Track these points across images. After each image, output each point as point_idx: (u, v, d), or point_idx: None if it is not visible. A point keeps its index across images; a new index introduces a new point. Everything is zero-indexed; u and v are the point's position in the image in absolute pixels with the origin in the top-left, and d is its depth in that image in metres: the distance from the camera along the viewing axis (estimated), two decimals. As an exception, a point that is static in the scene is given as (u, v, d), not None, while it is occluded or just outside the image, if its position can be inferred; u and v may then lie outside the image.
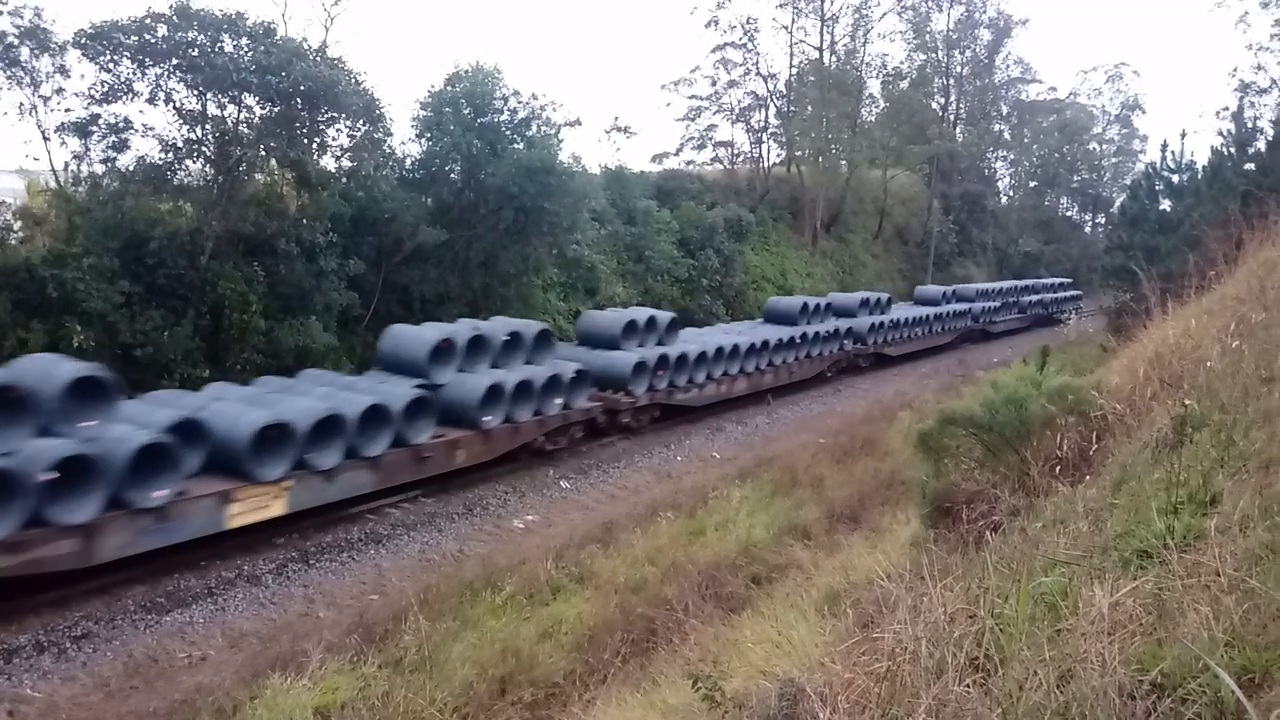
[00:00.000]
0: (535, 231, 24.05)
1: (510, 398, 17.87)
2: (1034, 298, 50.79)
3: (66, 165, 18.66)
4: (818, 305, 30.97)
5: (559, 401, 19.30)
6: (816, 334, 29.49)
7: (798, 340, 28.47)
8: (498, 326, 19.51)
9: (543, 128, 24.85)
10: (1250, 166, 24.48)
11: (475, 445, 17.43)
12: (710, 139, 47.32)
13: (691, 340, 24.66)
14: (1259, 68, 33.50)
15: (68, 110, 17.92)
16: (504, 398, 17.72)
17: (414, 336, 18.05)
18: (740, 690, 5.75)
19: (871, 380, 32.29)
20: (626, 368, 21.39)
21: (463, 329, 18.57)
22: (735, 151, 48.19)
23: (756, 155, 48.34)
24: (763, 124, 48.11)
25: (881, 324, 34.05)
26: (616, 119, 55.19)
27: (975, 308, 42.92)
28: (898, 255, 52.39)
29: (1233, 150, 26.14)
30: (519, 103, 24.74)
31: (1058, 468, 7.24)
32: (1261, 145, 25.71)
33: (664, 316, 24.22)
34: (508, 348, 19.22)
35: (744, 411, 25.67)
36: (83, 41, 17.53)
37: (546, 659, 10.22)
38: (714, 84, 46.34)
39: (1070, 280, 58.33)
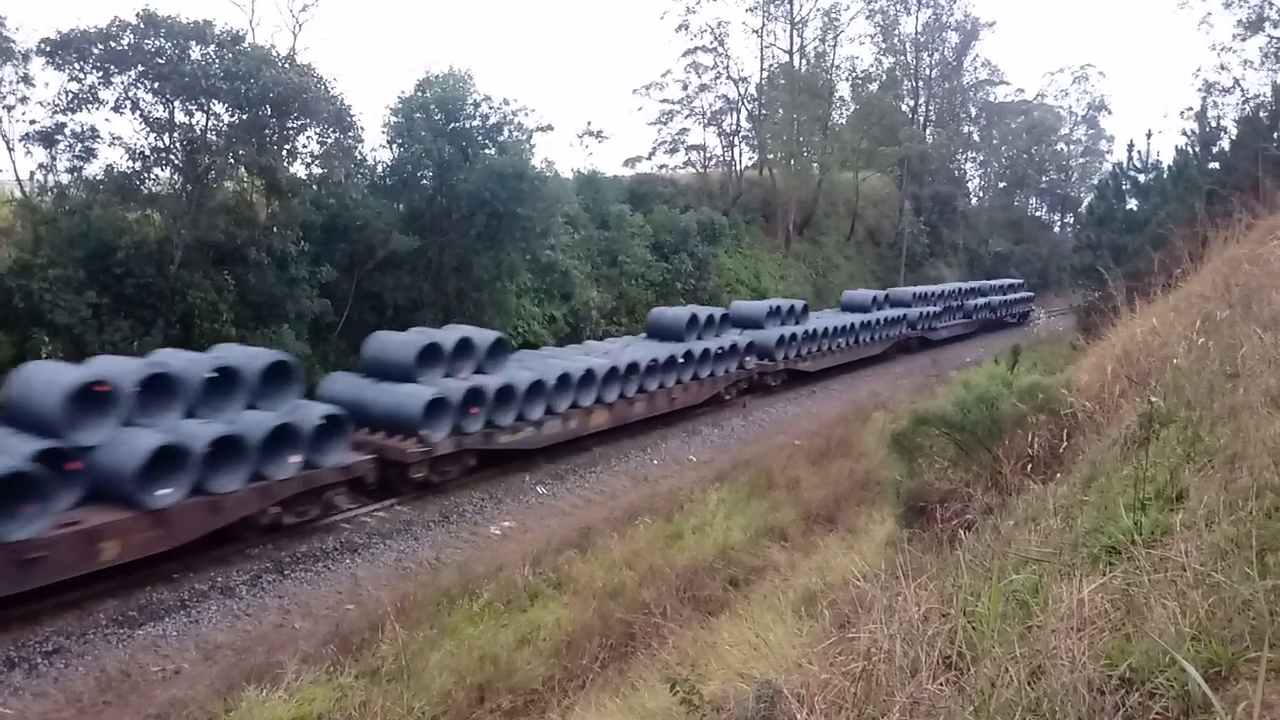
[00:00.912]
0: (508, 237, 24.00)
1: (203, 460, 12.89)
2: (981, 300, 47.42)
3: (32, 175, 18.48)
4: (710, 317, 26.80)
5: (296, 460, 14.43)
6: (708, 351, 25.40)
7: (681, 359, 24.20)
8: (199, 361, 14.45)
9: (514, 133, 24.82)
10: (1215, 166, 24.89)
11: (137, 533, 12.27)
12: (682, 143, 47.47)
13: (529, 366, 20.02)
14: (1222, 68, 33.98)
15: (32, 121, 17.74)
16: (190, 462, 12.75)
17: (47, 379, 12.81)
18: (718, 693, 5.77)
19: (844, 383, 32.43)
20: (417, 407, 16.63)
21: (133, 367, 13.54)
22: (707, 155, 48.35)
23: (729, 159, 48.53)
24: (734, 127, 48.32)
25: (793, 336, 29.83)
26: (589, 123, 55.25)
27: (912, 313, 39.30)
28: (870, 257, 52.70)
29: (1197, 150, 26.57)
30: (490, 108, 24.71)
31: (1029, 466, 7.31)
32: (1225, 144, 26.15)
33: (485, 337, 19.30)
34: (218, 389, 14.18)
35: (720, 414, 25.74)
36: (48, 50, 17.33)
37: (525, 665, 10.20)
38: (685, 88, 46.49)
39: (1022, 281, 56.38)
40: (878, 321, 36.03)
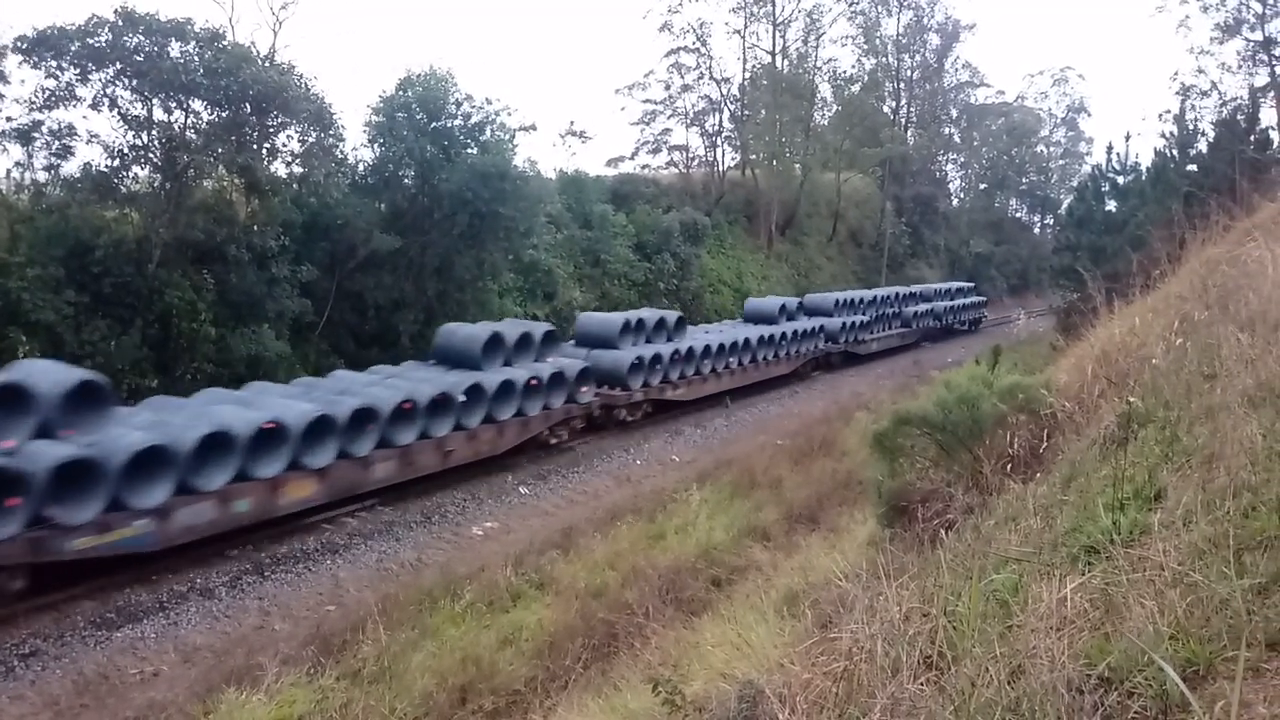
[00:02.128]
0: (490, 236, 23.94)
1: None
2: (923, 307, 42.71)
3: (8, 173, 18.31)
4: (526, 336, 20.39)
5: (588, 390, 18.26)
6: (510, 384, 18.72)
7: (462, 398, 17.46)
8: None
9: (497, 132, 24.78)
10: (1192, 168, 25.14)
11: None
12: (665, 143, 47.53)
13: (191, 421, 13.50)
14: (1200, 71, 34.47)
15: (9, 118, 17.54)
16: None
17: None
18: (700, 693, 5.76)
19: (826, 383, 32.53)
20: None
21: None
22: (690, 155, 48.42)
23: (711, 159, 48.61)
24: (717, 128, 48.41)
25: (656, 358, 23.77)
26: (571, 123, 55.17)
27: (832, 324, 33.81)
28: (852, 257, 52.89)
29: (1175, 152, 26.84)
30: (472, 107, 24.66)
31: (1010, 466, 7.34)
32: (1203, 147, 26.43)
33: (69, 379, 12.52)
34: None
35: (703, 415, 25.74)
36: (24, 47, 17.15)
37: (507, 666, 10.16)
38: (668, 88, 46.56)
39: (973, 284, 52.53)
40: (786, 335, 30.28)
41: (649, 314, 25.51)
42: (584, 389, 21.19)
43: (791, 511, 15.38)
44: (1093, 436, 6.25)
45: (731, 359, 27.34)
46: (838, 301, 35.33)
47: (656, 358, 23.82)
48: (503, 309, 26.65)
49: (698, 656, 7.50)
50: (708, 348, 26.02)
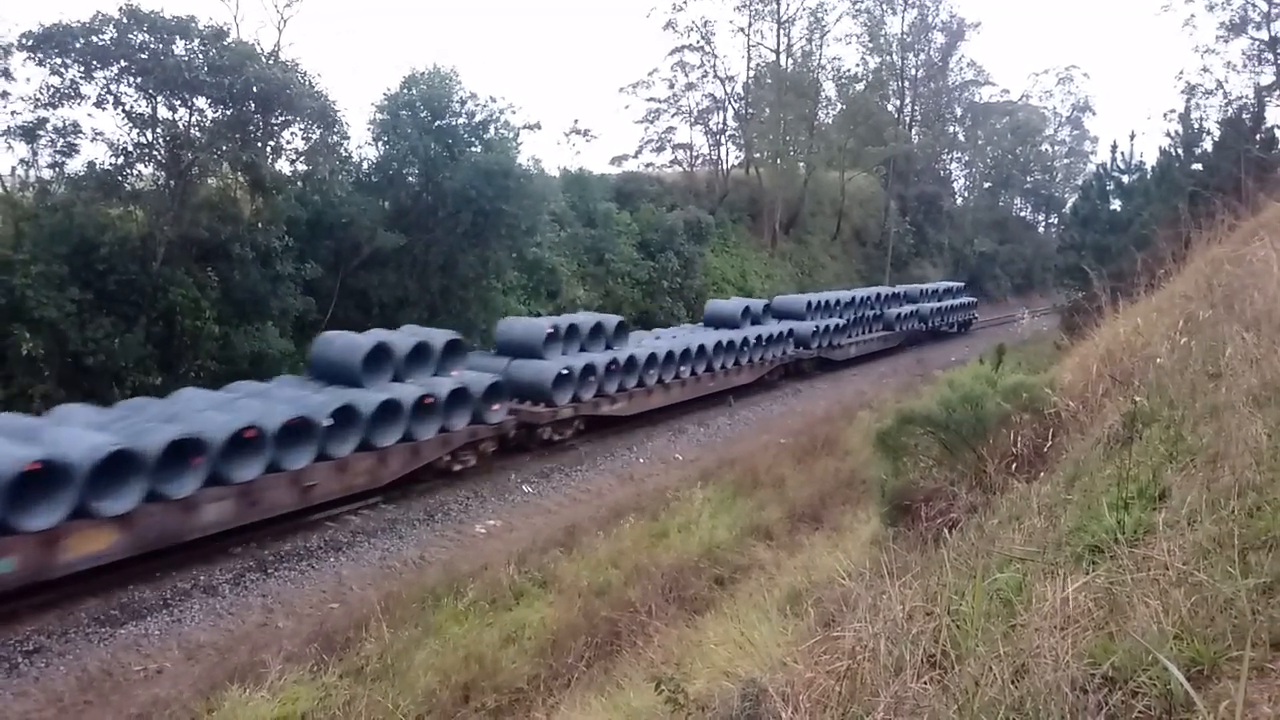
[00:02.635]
0: (494, 234, 23.95)
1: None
2: (907, 308, 40.50)
3: (13, 171, 18.28)
4: (420, 347, 17.91)
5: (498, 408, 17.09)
6: (395, 404, 16.18)
7: (325, 424, 14.85)
8: None
9: (501, 130, 24.77)
10: (1197, 167, 25.07)
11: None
12: (669, 141, 47.57)
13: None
14: (1205, 70, 34.36)
15: (13, 114, 17.56)
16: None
17: None
18: (703, 692, 5.76)
19: (829, 382, 32.51)
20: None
21: None
22: (694, 154, 48.47)
23: (715, 157, 48.62)
24: (721, 126, 48.42)
25: (589, 369, 21.05)
26: (575, 122, 55.22)
27: (802, 328, 31.21)
28: (856, 256, 52.85)
29: (1180, 151, 26.78)
30: (476, 105, 24.67)
31: (1013, 465, 7.33)
32: (1208, 146, 26.37)
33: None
34: None
35: (706, 413, 25.73)
36: (29, 44, 17.17)
37: (510, 664, 10.17)
38: (672, 86, 46.60)
39: (963, 284, 50.40)
40: (748, 341, 27.77)
41: (584, 318, 22.72)
42: (494, 407, 18.50)
43: (794, 510, 15.38)
44: (1097, 435, 6.23)
45: (683, 368, 24.69)
46: (810, 304, 32.71)
47: (589, 369, 21.07)
48: (507, 307, 26.67)
49: (701, 655, 7.49)
50: (653, 356, 23.23)
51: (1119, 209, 29.20)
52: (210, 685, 9.83)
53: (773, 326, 29.74)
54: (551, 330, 20.91)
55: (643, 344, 24.15)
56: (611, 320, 23.41)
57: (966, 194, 71.79)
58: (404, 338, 17.93)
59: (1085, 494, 5.12)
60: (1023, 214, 78.26)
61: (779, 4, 48.50)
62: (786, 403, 28.43)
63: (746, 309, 29.35)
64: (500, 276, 26.20)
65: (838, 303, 34.62)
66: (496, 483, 18.35)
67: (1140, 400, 5.68)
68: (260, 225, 20.06)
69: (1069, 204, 55.79)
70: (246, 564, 13.75)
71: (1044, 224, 78.85)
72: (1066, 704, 2.94)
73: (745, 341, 27.70)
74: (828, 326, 33.12)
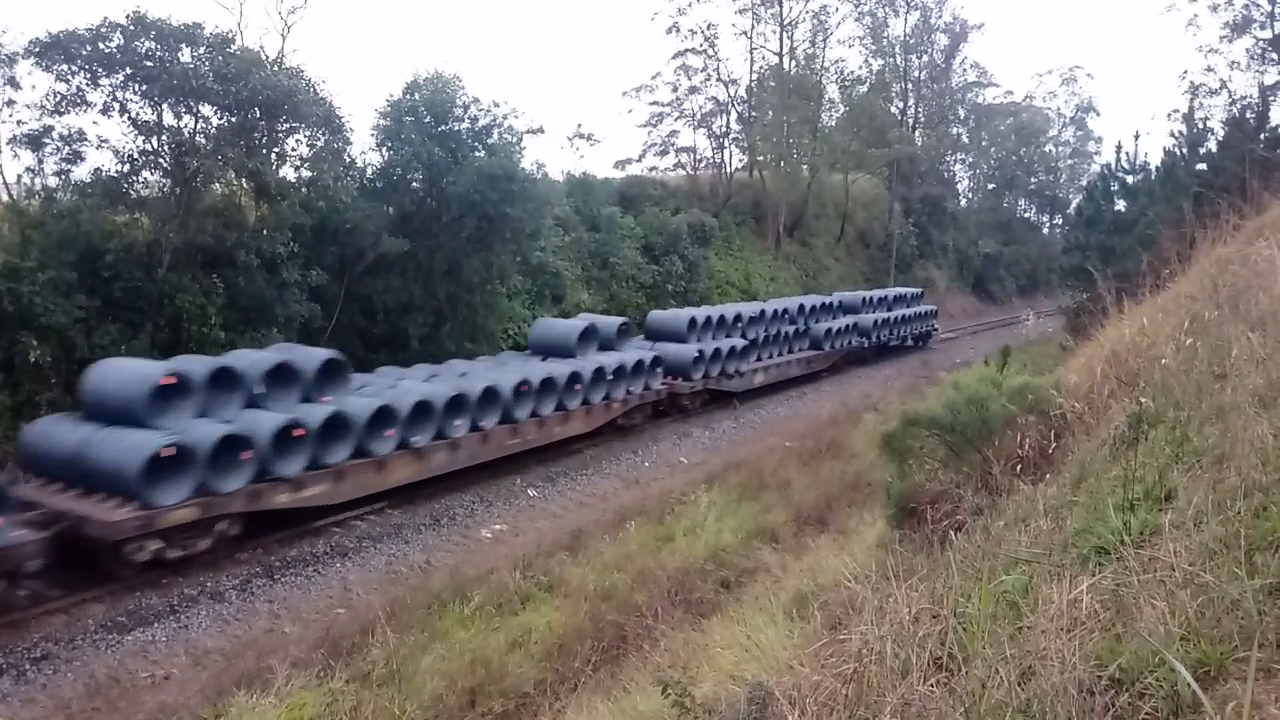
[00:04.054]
0: (498, 239, 23.97)
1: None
2: (841, 322, 33.82)
3: (19, 178, 18.33)
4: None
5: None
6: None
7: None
8: None
9: (504, 135, 24.79)
10: (1202, 167, 25.04)
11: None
12: (673, 145, 47.54)
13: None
14: (1209, 69, 34.22)
15: (20, 122, 17.60)
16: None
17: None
18: (710, 695, 5.77)
19: (835, 385, 32.48)
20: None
21: None
22: (698, 157, 48.43)
23: (719, 161, 48.57)
24: (724, 129, 48.37)
25: (285, 439, 14.22)
26: (579, 126, 55.23)
27: (681, 353, 24.89)
28: (860, 258, 52.82)
29: (1184, 151, 26.74)
30: (480, 110, 24.67)
31: (1019, 466, 7.33)
32: (1212, 146, 26.34)
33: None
34: None
35: (711, 416, 25.74)
36: (35, 52, 17.23)
37: (516, 669, 10.18)
38: (675, 90, 46.55)
39: (920, 291, 43.81)
40: (582, 376, 20.62)
41: (251, 360, 15.34)
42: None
43: (800, 513, 15.39)
44: (1103, 437, 6.23)
45: (457, 421, 17.31)
46: (695, 321, 26.17)
47: (287, 436, 14.33)
48: (511, 311, 26.67)
49: (707, 658, 7.50)
50: (383, 412, 15.76)
51: (1123, 209, 29.14)
52: (217, 691, 9.85)
53: (632, 353, 23.13)
54: (159, 387, 13.55)
55: (380, 393, 16.60)
56: (317, 357, 16.21)
57: (970, 195, 71.70)
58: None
59: (1091, 495, 5.12)
60: (1027, 215, 78.16)
61: (782, 7, 48.48)
62: (791, 405, 28.42)
63: (587, 330, 22.54)
64: (505, 281, 26.22)
65: (738, 319, 28.19)
66: (501, 487, 18.36)
67: (1146, 401, 5.67)
68: (265, 232, 20.09)
69: (1073, 205, 55.74)
70: (253, 570, 13.77)
71: (1048, 225, 78.70)
72: (1073, 706, 2.94)
73: (575, 377, 20.41)
74: (719, 350, 26.20)
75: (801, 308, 31.97)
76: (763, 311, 29.70)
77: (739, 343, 27.43)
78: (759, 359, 28.96)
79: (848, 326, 34.09)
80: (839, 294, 36.82)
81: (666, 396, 24.59)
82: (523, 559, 13.78)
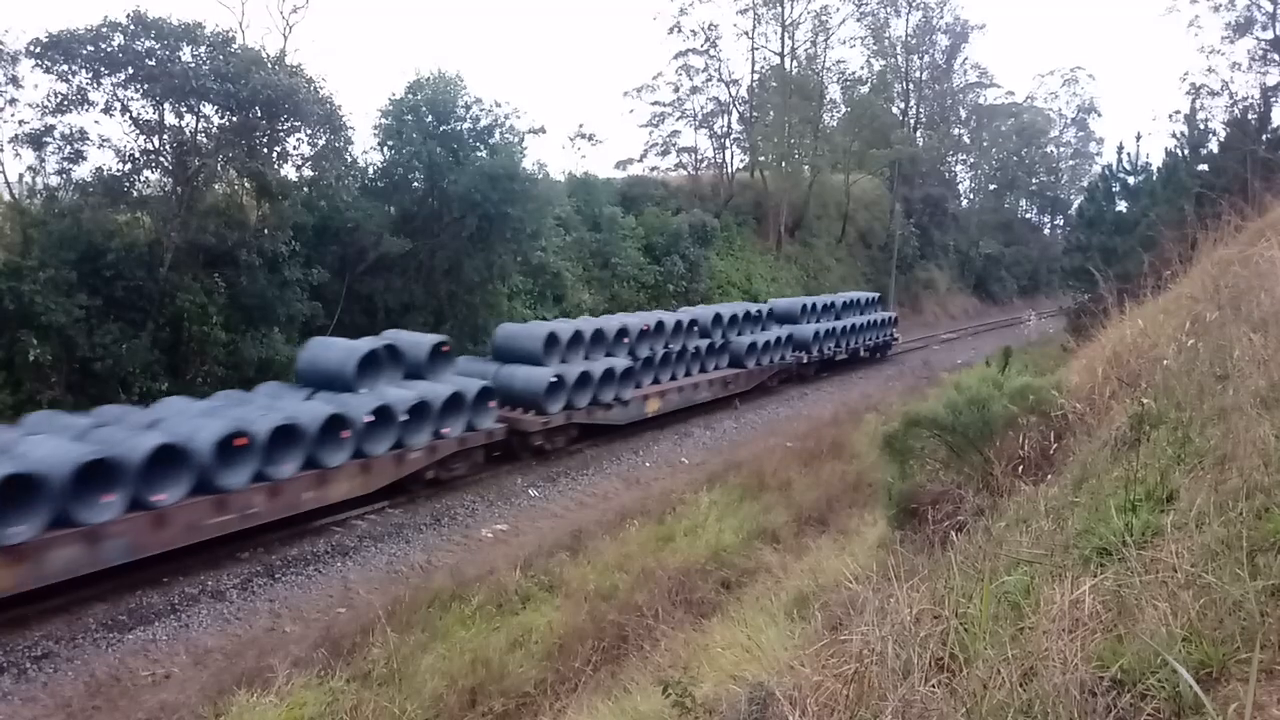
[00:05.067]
0: (499, 238, 23.98)
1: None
2: (771, 334, 28.83)
3: (21, 177, 18.36)
4: None
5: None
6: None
7: None
8: None
9: (505, 135, 24.82)
10: (1203, 168, 25.02)
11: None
12: (674, 145, 47.47)
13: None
14: (1210, 70, 34.14)
15: (21, 122, 17.63)
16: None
17: None
18: (711, 695, 5.77)
19: (835, 385, 32.45)
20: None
21: None
22: (699, 157, 48.36)
23: (720, 161, 48.51)
24: (726, 129, 48.30)
25: None
26: (580, 126, 55.19)
27: (533, 377, 19.79)
28: (861, 259, 52.78)
29: (1186, 152, 26.73)
30: (481, 110, 24.71)
31: (1020, 467, 7.32)
32: (1214, 147, 26.31)
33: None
34: None
35: (712, 416, 25.71)
36: (37, 51, 17.24)
37: (517, 668, 10.19)
38: (677, 90, 46.48)
39: (878, 296, 38.89)
40: (367, 415, 15.62)
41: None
42: None
43: (801, 514, 15.38)
44: (1104, 438, 6.22)
45: (106, 498, 11.83)
46: (555, 337, 20.74)
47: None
48: (511, 311, 26.69)
49: (708, 659, 7.50)
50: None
51: (1125, 210, 29.14)
52: (218, 690, 9.85)
53: (444, 385, 17.65)
54: None
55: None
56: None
57: (971, 196, 71.68)
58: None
59: (1093, 496, 5.12)
60: (1028, 216, 78.10)
61: (783, 7, 48.44)
62: (792, 406, 28.40)
63: (375, 354, 17.02)
64: (506, 280, 26.23)
65: (623, 333, 22.87)
66: (502, 487, 18.36)
67: (1147, 402, 5.67)
68: (267, 231, 20.11)
69: (1074, 206, 55.64)
70: (254, 569, 13.77)
71: (1049, 226, 78.64)
72: (1075, 707, 2.93)
73: (338, 421, 15.06)
74: (587, 374, 20.88)
75: (718, 318, 27.20)
76: (660, 323, 24.52)
77: (620, 363, 22.12)
78: (656, 381, 24.01)
79: (779, 339, 29.23)
80: (775, 301, 32.83)
81: (508, 437, 19.28)
82: (523, 559, 13.77)
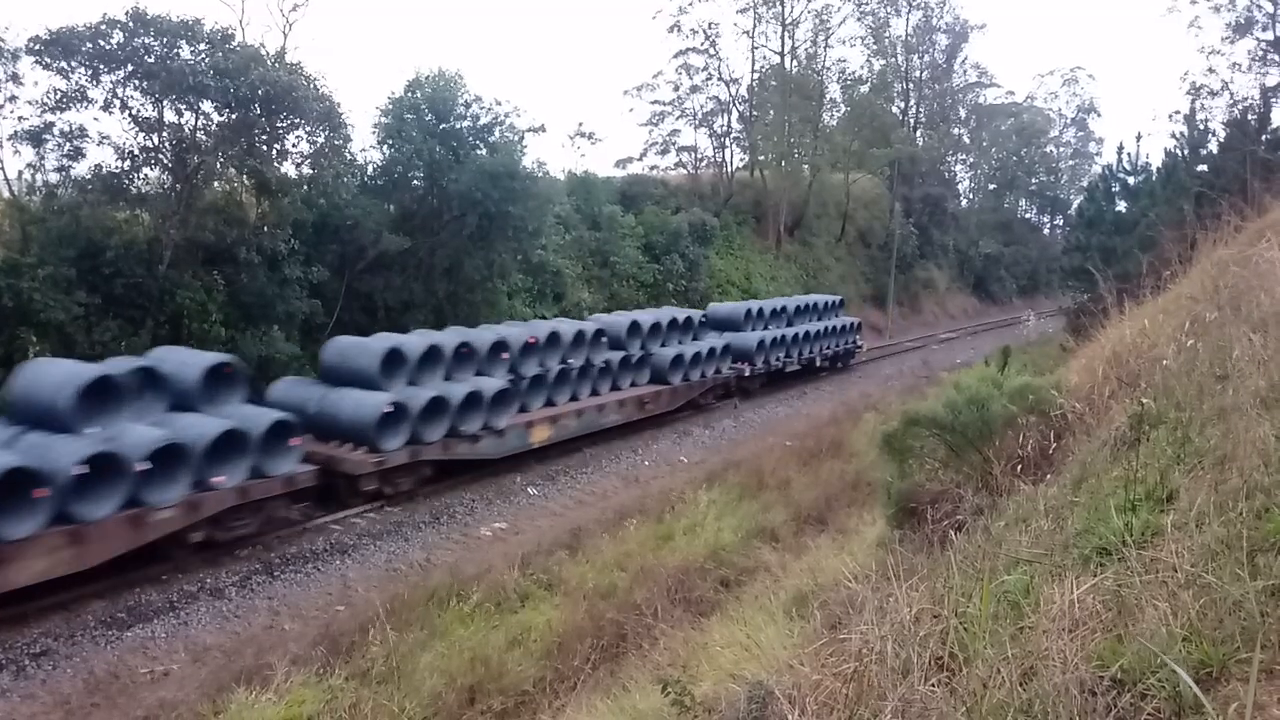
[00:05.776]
0: (499, 237, 23.96)
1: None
2: (704, 345, 25.74)
3: (20, 174, 18.35)
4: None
5: None
6: None
7: None
8: None
9: (505, 133, 24.78)
10: (1203, 168, 25.05)
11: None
12: (674, 144, 47.47)
13: None
14: (1210, 71, 34.14)
15: (21, 119, 17.60)
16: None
17: None
18: (710, 694, 5.77)
19: (834, 384, 32.46)
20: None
21: None
22: (699, 156, 48.36)
23: (720, 160, 48.50)
24: (725, 128, 48.30)
25: None
26: (580, 124, 55.17)
27: (363, 404, 16.08)
28: (861, 258, 52.77)
29: (1186, 152, 26.75)
30: (481, 108, 24.67)
31: (1019, 467, 7.32)
32: (1213, 147, 26.34)
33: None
34: None
35: (711, 415, 25.72)
36: (36, 48, 17.22)
37: (516, 667, 10.19)
38: (677, 89, 46.49)
39: (840, 299, 35.67)
40: (97, 463, 11.69)
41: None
42: None
43: (800, 513, 15.39)
44: (1104, 437, 6.22)
45: None
46: (398, 354, 17.20)
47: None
48: (511, 310, 26.67)
49: (707, 657, 7.51)
50: None
51: (1124, 210, 29.16)
52: (217, 688, 9.85)
53: (217, 420, 13.82)
54: None
55: None
56: None
57: (971, 196, 71.70)
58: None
59: (1092, 496, 5.11)
60: (1028, 216, 78.15)
61: (783, 7, 48.42)
62: (792, 405, 28.41)
63: (102, 384, 12.89)
64: (505, 279, 26.21)
65: (500, 347, 19.33)
66: (501, 485, 18.36)
67: (1147, 402, 5.66)
68: (266, 229, 20.08)
69: (1074, 206, 55.66)
70: (252, 567, 13.77)
71: (1049, 226, 78.71)
72: (1075, 706, 2.93)
73: (21, 475, 11.08)
74: (441, 400, 17.04)
75: (635, 326, 23.70)
76: (555, 334, 20.77)
77: (491, 384, 18.27)
78: (550, 403, 20.57)
79: (714, 350, 25.98)
80: (715, 306, 30.16)
81: (328, 481, 15.73)
82: (522, 557, 13.77)
